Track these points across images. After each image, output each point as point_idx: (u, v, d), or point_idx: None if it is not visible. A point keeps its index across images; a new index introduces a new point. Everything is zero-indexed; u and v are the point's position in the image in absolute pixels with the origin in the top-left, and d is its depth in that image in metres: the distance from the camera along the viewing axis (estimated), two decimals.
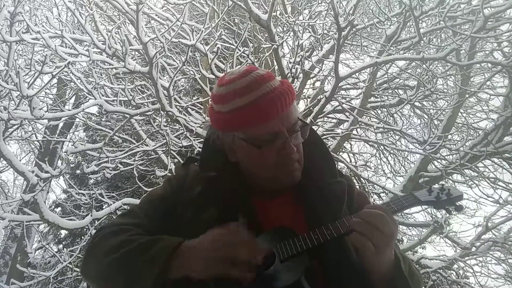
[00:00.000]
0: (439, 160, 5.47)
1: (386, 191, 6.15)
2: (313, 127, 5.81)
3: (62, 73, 4.67)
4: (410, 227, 7.64)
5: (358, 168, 6.69)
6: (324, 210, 1.03)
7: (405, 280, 0.95)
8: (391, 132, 6.65)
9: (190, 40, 4.47)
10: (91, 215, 4.59)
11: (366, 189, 6.09)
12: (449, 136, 6.06)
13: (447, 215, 5.94)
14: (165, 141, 5.00)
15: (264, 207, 1.06)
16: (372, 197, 6.38)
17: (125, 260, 0.94)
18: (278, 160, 1.03)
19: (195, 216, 1.03)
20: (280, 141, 1.02)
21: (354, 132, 6.36)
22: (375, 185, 6.36)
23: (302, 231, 0.98)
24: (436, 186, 1.07)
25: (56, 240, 9.79)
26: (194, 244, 0.92)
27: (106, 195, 5.24)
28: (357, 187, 1.21)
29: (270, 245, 0.95)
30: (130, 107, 5.21)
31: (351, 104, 6.47)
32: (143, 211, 1.10)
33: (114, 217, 1.26)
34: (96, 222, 4.75)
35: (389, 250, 0.93)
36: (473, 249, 5.73)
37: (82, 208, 5.78)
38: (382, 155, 7.58)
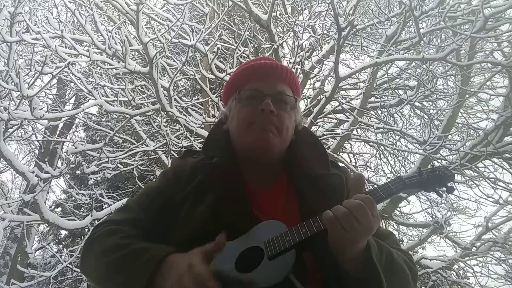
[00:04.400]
0: (439, 160, 5.46)
1: None
2: (313, 127, 5.82)
3: (62, 73, 4.67)
4: (410, 227, 7.64)
5: (358, 168, 6.68)
6: (318, 202, 1.03)
7: (375, 269, 0.90)
8: (391, 132, 6.65)
9: (190, 41, 4.47)
10: (91, 216, 4.58)
11: (366, 189, 6.07)
12: (449, 136, 6.05)
13: (447, 214, 5.94)
14: (165, 141, 5.00)
15: (258, 197, 1.07)
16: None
17: (114, 267, 0.95)
18: (254, 116, 1.10)
19: (191, 208, 1.03)
20: (260, 98, 1.12)
21: (354, 132, 6.35)
22: (375, 186, 6.34)
23: (294, 222, 0.97)
24: (425, 168, 1.04)
25: (56, 240, 9.80)
26: (172, 264, 0.90)
27: (106, 196, 5.24)
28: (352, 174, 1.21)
29: (258, 242, 0.94)
30: (130, 107, 5.21)
31: (351, 104, 6.47)
32: (139, 205, 1.11)
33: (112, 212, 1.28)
34: (96, 222, 4.74)
35: (361, 241, 0.90)
36: (473, 249, 5.73)
37: (82, 208, 5.78)
38: (382, 155, 7.59)
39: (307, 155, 1.17)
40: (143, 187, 5.07)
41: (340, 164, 1.30)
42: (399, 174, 7.05)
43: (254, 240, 0.95)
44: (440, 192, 1.02)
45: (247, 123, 1.12)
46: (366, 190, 0.99)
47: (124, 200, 5.10)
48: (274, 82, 1.16)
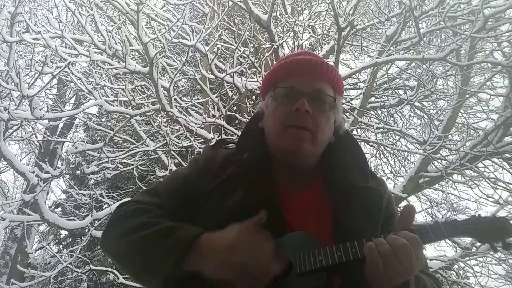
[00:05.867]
0: (439, 160, 5.46)
1: None
2: None
3: (63, 73, 4.67)
4: None
5: None
6: (351, 215, 0.98)
7: None
8: (391, 132, 6.65)
9: (190, 41, 4.48)
10: (91, 216, 4.58)
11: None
12: (449, 136, 6.05)
13: (447, 214, 5.94)
14: (165, 141, 5.00)
15: (289, 199, 1.03)
16: None
17: (142, 245, 0.92)
18: (289, 118, 1.04)
19: (219, 202, 1.00)
20: (296, 97, 1.05)
21: (354, 132, 6.35)
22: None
23: (324, 230, 0.94)
24: (485, 216, 0.94)
25: (56, 240, 9.80)
26: (212, 241, 0.89)
27: (106, 196, 5.24)
28: (389, 191, 1.14)
29: (288, 252, 0.90)
30: (130, 107, 5.21)
31: (351, 104, 6.47)
32: (166, 190, 1.08)
33: (139, 192, 1.26)
34: (96, 222, 4.75)
35: (400, 280, 0.86)
36: (473, 249, 5.73)
37: (82, 208, 5.79)
38: (382, 155, 7.57)
39: (345, 163, 1.11)
40: (143, 187, 5.09)
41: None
42: (399, 174, 7.06)
43: (285, 250, 0.91)
44: (496, 247, 0.92)
45: (281, 125, 1.05)
46: (414, 225, 0.92)
47: (124, 200, 5.09)
48: (313, 79, 1.08)
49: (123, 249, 0.96)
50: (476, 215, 0.94)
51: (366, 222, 0.94)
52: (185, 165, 1.20)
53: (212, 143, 1.24)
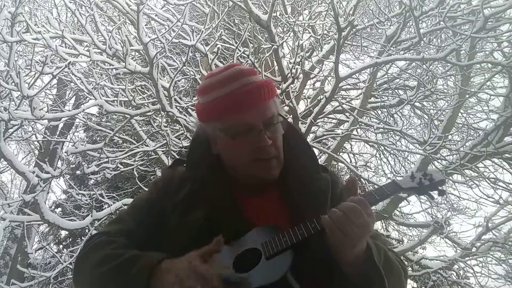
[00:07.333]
0: (439, 161, 5.46)
1: None
2: (313, 127, 5.82)
3: (63, 73, 4.67)
4: (410, 228, 7.64)
5: (358, 168, 6.68)
6: (308, 207, 1.04)
7: (377, 271, 0.93)
8: (391, 132, 6.65)
9: (191, 41, 4.48)
10: (91, 216, 4.58)
11: (366, 189, 6.08)
12: (449, 137, 6.05)
13: (447, 214, 5.94)
14: (165, 141, 5.00)
15: (249, 204, 1.07)
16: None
17: (108, 278, 0.95)
18: (253, 154, 1.05)
19: (182, 219, 1.03)
20: (254, 133, 1.04)
21: (354, 132, 6.35)
22: (375, 186, 6.35)
23: (285, 227, 0.99)
24: (418, 172, 1.07)
25: (56, 240, 9.80)
26: (169, 267, 0.90)
27: (106, 196, 5.23)
28: (343, 183, 1.21)
29: (255, 244, 0.96)
30: (131, 107, 5.22)
31: (351, 104, 6.47)
32: (131, 216, 1.11)
33: (105, 224, 1.28)
34: (97, 222, 4.74)
35: (360, 242, 0.93)
36: (474, 249, 5.72)
37: (82, 208, 5.78)
38: (382, 156, 7.58)
39: (297, 161, 1.15)
40: (143, 187, 5.09)
41: (342, 166, 1.28)
42: (399, 174, 7.06)
43: (251, 243, 0.97)
44: (432, 195, 1.05)
45: (247, 160, 1.06)
46: (361, 193, 1.02)
47: (125, 200, 5.10)
48: (264, 108, 1.06)
49: (94, 284, 1.00)
50: (409, 173, 1.07)
51: (319, 210, 0.99)
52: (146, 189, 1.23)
53: (169, 165, 1.27)
